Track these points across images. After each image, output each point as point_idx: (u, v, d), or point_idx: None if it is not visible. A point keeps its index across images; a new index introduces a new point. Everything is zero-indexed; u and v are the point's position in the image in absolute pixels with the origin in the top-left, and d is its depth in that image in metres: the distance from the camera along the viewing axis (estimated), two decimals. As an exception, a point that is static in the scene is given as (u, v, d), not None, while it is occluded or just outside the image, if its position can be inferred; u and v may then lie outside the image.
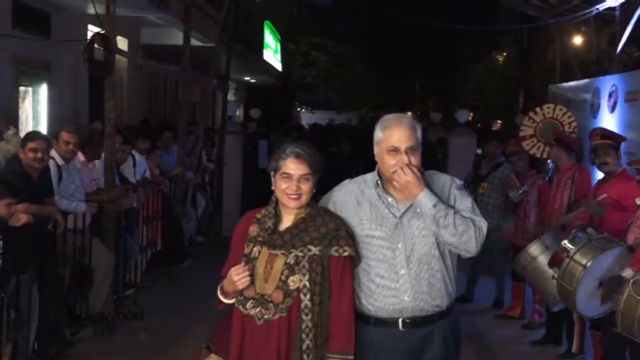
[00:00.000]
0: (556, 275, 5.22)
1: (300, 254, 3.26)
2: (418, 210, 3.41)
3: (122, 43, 12.30)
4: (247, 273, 3.26)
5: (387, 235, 3.45)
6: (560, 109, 8.63)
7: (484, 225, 3.46)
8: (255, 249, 3.35)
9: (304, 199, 3.31)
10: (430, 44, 36.44)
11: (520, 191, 7.61)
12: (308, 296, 3.22)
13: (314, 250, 3.27)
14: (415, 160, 3.40)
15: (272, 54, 24.31)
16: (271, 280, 3.27)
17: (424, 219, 3.40)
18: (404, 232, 3.44)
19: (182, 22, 11.49)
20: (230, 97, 19.27)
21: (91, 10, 10.45)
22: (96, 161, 7.62)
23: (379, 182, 3.53)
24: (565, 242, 5.17)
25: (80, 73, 11.61)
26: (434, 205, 3.36)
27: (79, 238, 6.81)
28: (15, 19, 10.23)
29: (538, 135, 8.41)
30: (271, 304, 3.25)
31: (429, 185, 3.44)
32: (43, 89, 11.51)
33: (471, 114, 30.54)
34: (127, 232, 8.14)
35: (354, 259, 3.37)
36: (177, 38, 12.76)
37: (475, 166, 8.99)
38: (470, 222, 3.41)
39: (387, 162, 3.43)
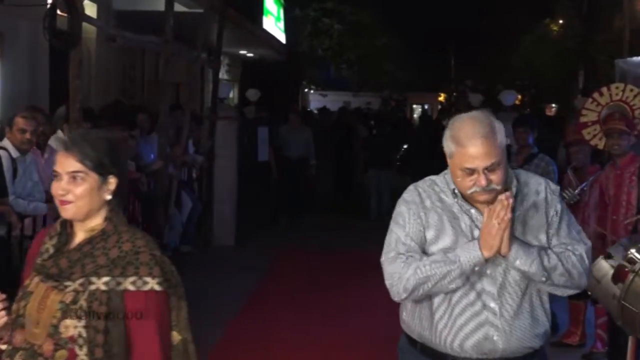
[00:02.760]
0: (617, 294, 5.20)
1: (80, 288, 2.83)
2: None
3: (90, 9, 12.34)
4: (1, 313, 2.89)
5: None
6: (631, 90, 8.59)
7: (583, 249, 3.54)
8: (36, 279, 2.94)
9: (79, 206, 2.90)
10: (468, 11, 36.41)
11: (576, 190, 7.59)
12: (85, 349, 2.78)
13: (98, 283, 2.82)
14: (497, 178, 3.35)
15: (273, 22, 24.31)
16: (42, 325, 2.85)
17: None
18: (494, 255, 3.37)
19: (164, -18, 11.52)
20: (223, 75, 19.31)
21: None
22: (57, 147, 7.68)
23: (456, 190, 3.49)
24: (633, 252, 5.15)
25: (39, 45, 11.68)
26: (531, 263, 3.39)
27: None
28: (-41, -20, 10.31)
29: (601, 122, 8.40)
30: (41, 358, 2.84)
31: (518, 192, 3.51)
32: (-6, 66, 11.59)
33: (519, 96, 30.51)
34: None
35: (168, 296, 2.93)
36: (157, 3, 12.80)
37: None
38: (571, 254, 3.48)
39: (463, 183, 3.40)
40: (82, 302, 2.80)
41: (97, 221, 2.93)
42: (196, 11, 14.00)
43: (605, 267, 5.78)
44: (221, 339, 7.84)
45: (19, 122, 6.88)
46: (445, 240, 3.43)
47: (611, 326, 6.80)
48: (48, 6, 7.77)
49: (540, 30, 36.70)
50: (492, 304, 3.40)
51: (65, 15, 7.55)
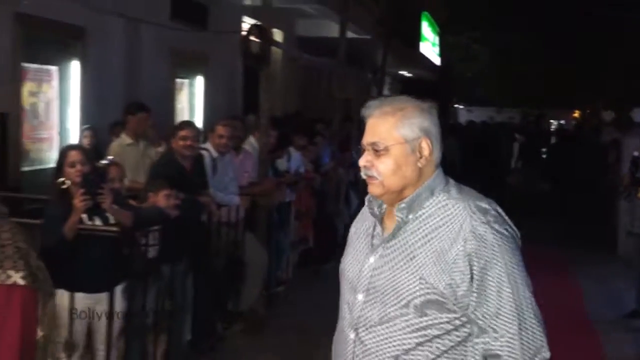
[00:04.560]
0: None
1: None
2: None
3: (277, 35, 12.61)
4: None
5: (353, 276, 2.42)
6: None
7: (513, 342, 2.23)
8: None
9: None
10: (600, 38, 35.07)
11: None
12: None
13: None
14: (382, 167, 2.33)
15: (430, 47, 24.18)
16: None
17: None
18: (371, 278, 2.35)
19: (338, 13, 11.62)
20: (385, 91, 19.34)
21: (247, 2, 10.82)
22: (249, 149, 7.89)
23: (380, 203, 2.45)
24: None
25: (235, 65, 12.03)
26: None
27: (232, 232, 7.04)
28: (174, 11, 10.72)
29: None
30: None
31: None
32: (199, 81, 11.97)
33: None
34: (280, 227, 8.35)
35: (35, 291, 2.45)
36: (332, 30, 12.95)
37: (632, 169, 8.60)
38: None
39: None
40: None
41: None
42: (365, 37, 14.06)
43: None
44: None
45: (219, 129, 7.05)
46: (347, 257, 2.51)
47: None
48: (244, 33, 7.98)
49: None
50: (351, 336, 2.40)
51: (258, 40, 7.72)
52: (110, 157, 6.41)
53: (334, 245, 9.59)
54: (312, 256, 9.49)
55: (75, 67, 9.04)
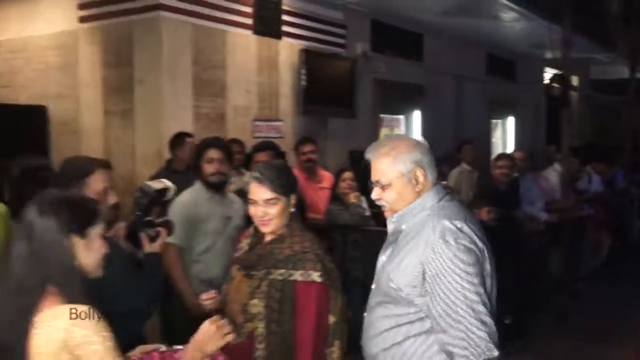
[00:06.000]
0: None
1: (263, 277, 2.51)
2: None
3: (574, 80, 11.91)
4: (212, 299, 2.60)
5: (375, 271, 2.44)
6: None
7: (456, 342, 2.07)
8: (235, 268, 2.65)
9: (275, 223, 2.51)
10: None
11: None
12: (263, 323, 2.46)
13: (275, 274, 2.48)
14: (387, 197, 2.29)
15: None
16: (237, 303, 2.56)
17: None
18: (378, 272, 2.39)
19: (628, 58, 10.69)
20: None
21: (549, 56, 10.34)
22: (553, 173, 7.48)
23: None
24: None
25: (539, 107, 11.57)
26: None
27: (539, 240, 6.72)
28: (489, 68, 10.64)
29: None
30: (237, 327, 2.51)
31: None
32: (509, 121, 11.73)
33: None
34: (577, 236, 7.78)
35: (328, 288, 2.45)
36: (621, 72, 11.92)
37: None
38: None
39: None
40: (264, 288, 2.49)
41: (283, 229, 2.56)
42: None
43: None
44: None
45: (516, 155, 6.89)
46: None
47: None
48: (547, 81, 7.63)
49: None
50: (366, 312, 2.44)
51: (558, 86, 7.34)
52: (443, 183, 6.48)
53: (626, 251, 8.80)
54: (607, 261, 8.71)
55: (416, 116, 9.32)
